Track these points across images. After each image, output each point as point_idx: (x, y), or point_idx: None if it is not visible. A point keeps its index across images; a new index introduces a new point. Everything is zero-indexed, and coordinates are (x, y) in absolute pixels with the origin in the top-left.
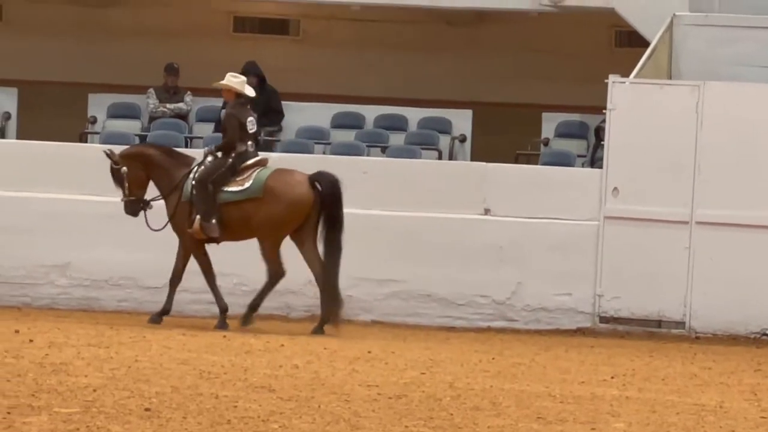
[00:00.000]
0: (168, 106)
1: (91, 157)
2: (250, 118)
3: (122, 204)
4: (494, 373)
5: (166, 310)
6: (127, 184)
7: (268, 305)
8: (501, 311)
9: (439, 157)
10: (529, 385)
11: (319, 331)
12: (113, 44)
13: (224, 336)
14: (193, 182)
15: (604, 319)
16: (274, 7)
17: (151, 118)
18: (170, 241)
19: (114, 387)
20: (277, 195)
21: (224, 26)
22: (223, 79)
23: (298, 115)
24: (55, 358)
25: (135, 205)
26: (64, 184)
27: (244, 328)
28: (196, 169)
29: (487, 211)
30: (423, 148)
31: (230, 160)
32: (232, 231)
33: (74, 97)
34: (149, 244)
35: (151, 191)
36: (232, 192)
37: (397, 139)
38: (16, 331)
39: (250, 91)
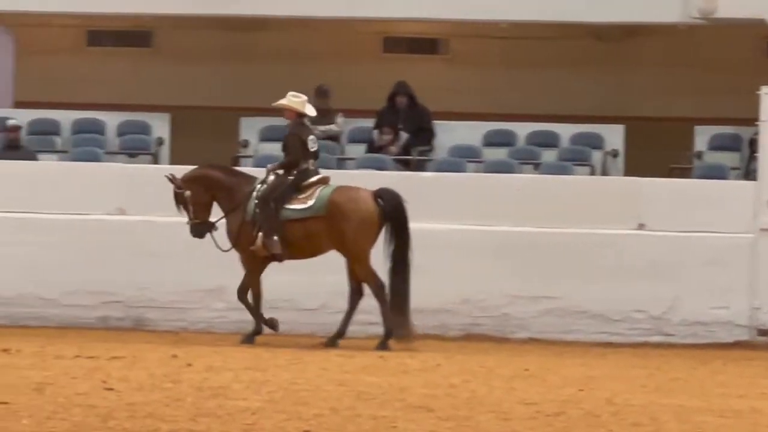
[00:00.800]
0: (319, 128)
1: None
2: (311, 137)
3: (188, 227)
4: (652, 389)
5: (257, 331)
6: (191, 207)
7: (424, 324)
8: (657, 326)
9: (592, 173)
10: (687, 400)
11: (383, 346)
12: (263, 68)
13: (380, 356)
14: (256, 200)
15: (761, 332)
16: (423, 27)
17: None
18: (326, 262)
19: (272, 410)
20: (343, 211)
21: (374, 47)
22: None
23: (449, 134)
24: (213, 382)
25: (201, 228)
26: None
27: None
28: (258, 187)
29: (641, 226)
30: (575, 164)
31: (291, 177)
32: (296, 249)
33: (226, 121)
34: (305, 265)
35: (215, 212)
36: (295, 210)
37: (549, 155)
38: (174, 356)
39: (311, 111)
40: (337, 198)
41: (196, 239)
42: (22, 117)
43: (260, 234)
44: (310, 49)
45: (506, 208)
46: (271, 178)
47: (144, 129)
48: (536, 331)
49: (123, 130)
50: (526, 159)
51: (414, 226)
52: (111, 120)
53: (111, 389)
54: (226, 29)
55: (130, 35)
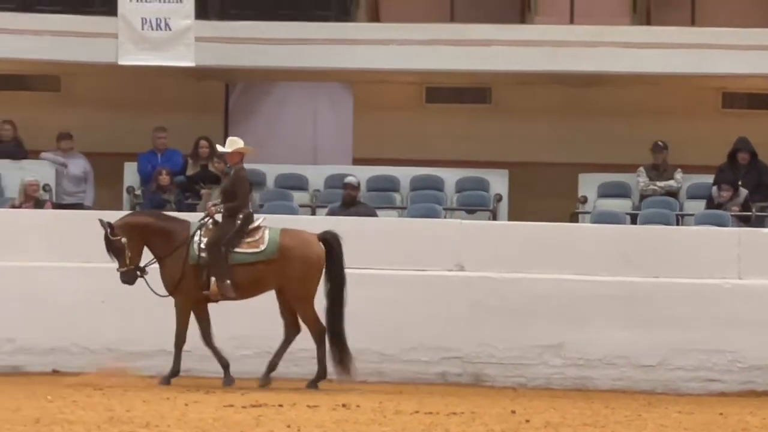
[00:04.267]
0: (658, 183)
1: (582, 237)
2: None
3: (120, 274)
4: None
5: (175, 372)
6: (128, 254)
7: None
8: None
9: None
10: None
11: (313, 386)
12: (601, 124)
13: (720, 413)
14: (203, 245)
15: None
16: (763, 83)
17: (642, 197)
18: (661, 318)
19: None
20: (295, 255)
21: (713, 103)
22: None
23: None
24: None
25: (133, 274)
26: (557, 265)
27: (261, 387)
28: (198, 232)
29: None
30: None
31: (238, 222)
32: (244, 290)
33: (564, 178)
34: (643, 322)
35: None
36: (246, 254)
37: None
38: (513, 412)
39: (251, 150)
40: (287, 242)
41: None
42: (360, 174)
43: (212, 279)
44: (647, 105)
45: None
46: (210, 222)
47: (482, 185)
48: None
49: (461, 187)
50: None
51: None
52: (449, 176)
53: None
54: (564, 84)
55: (468, 92)
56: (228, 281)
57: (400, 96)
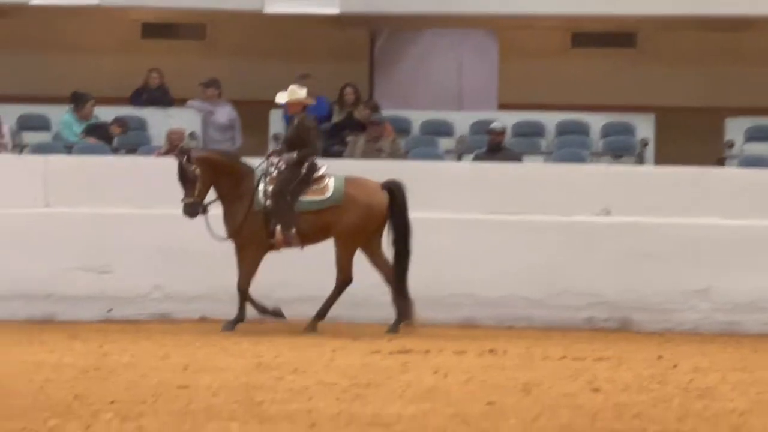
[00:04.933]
0: None
1: (729, 181)
2: None
3: (183, 205)
4: None
5: (240, 319)
6: (199, 186)
7: None
8: None
9: None
10: None
11: (394, 329)
12: (747, 68)
13: None
14: (269, 192)
15: None
16: None
17: None
18: None
19: (761, 411)
20: (358, 202)
21: None
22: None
23: None
24: (699, 383)
25: (197, 207)
26: (703, 210)
27: (307, 333)
28: (263, 178)
29: None
30: None
31: (304, 170)
32: (307, 239)
33: (711, 122)
34: None
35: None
36: (311, 201)
37: None
38: (660, 357)
39: (312, 100)
40: (352, 190)
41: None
42: (506, 119)
43: (278, 227)
44: None
45: None
46: (276, 170)
47: (628, 130)
48: None
49: (607, 132)
50: None
51: None
52: (595, 121)
53: (598, 390)
54: (711, 30)
55: (613, 36)
56: (293, 230)
57: (546, 41)
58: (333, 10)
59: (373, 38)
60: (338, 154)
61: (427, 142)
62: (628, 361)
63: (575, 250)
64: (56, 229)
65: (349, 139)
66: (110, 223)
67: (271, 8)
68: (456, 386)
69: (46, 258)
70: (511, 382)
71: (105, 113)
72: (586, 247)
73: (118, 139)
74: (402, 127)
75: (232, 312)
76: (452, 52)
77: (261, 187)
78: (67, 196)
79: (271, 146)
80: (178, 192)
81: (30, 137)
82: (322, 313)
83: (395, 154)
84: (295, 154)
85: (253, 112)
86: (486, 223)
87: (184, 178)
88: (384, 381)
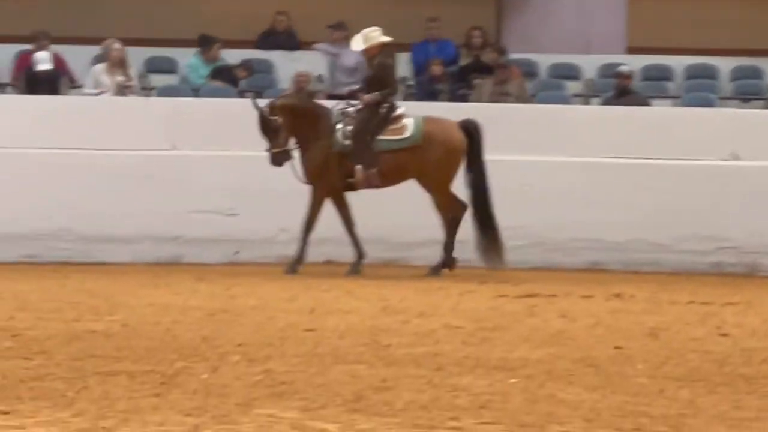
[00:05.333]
0: None
1: None
2: None
3: (269, 156)
4: None
5: (300, 259)
6: (283, 134)
7: None
8: None
9: None
10: None
11: (434, 272)
12: None
13: None
14: (348, 132)
15: None
16: None
17: None
18: None
19: None
20: (438, 141)
21: None
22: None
23: None
24: None
25: (282, 157)
26: None
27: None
28: (341, 119)
29: None
30: None
31: (383, 110)
32: (388, 178)
33: None
34: None
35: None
36: (391, 141)
37: None
38: None
39: (389, 38)
40: (430, 128)
41: None
42: (634, 63)
43: (359, 167)
44: None
45: None
46: (349, 110)
47: (758, 74)
48: None
49: (736, 75)
50: None
51: None
52: (724, 65)
53: (726, 335)
54: None
55: None
56: (374, 169)
57: None
58: None
59: None
60: (464, 98)
61: (555, 85)
62: (757, 305)
63: (702, 195)
64: (183, 171)
65: (476, 82)
66: (236, 165)
67: None
68: (583, 330)
69: (173, 200)
70: (638, 327)
71: (231, 56)
72: (713, 191)
73: (244, 82)
74: (529, 71)
75: (353, 254)
76: None
77: (339, 127)
78: (194, 139)
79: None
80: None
81: (157, 80)
82: (449, 260)
83: (522, 98)
84: (376, 94)
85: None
86: (613, 167)
87: (268, 128)
88: (510, 324)
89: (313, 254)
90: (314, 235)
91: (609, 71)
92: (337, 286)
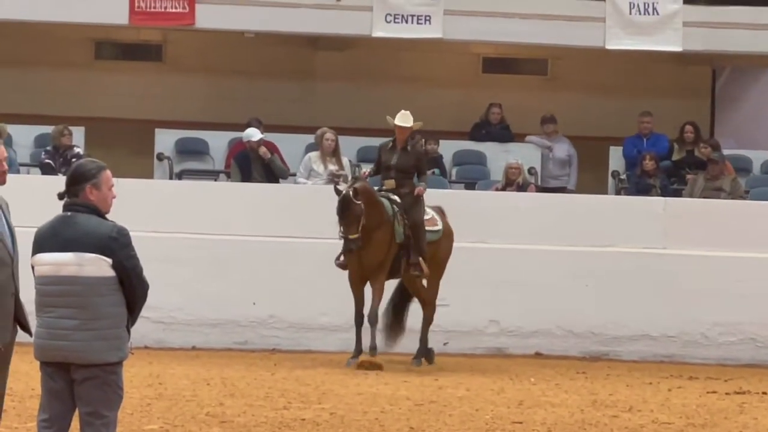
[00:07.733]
0: None
1: None
2: None
3: (345, 241)
4: None
5: (359, 351)
6: (363, 221)
7: None
8: None
9: None
10: None
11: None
12: None
13: None
14: (406, 223)
15: None
16: None
17: None
18: None
19: None
20: (449, 233)
21: None
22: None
23: None
24: None
25: (356, 243)
26: None
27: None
28: (396, 208)
29: None
30: None
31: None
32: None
33: None
34: None
35: None
36: (431, 232)
37: None
38: None
39: (419, 124)
40: (444, 220)
41: None
42: None
43: (420, 259)
44: None
45: None
46: (394, 197)
47: None
48: None
49: None
50: None
51: None
52: None
53: None
54: None
55: None
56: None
57: None
58: (676, 47)
59: (714, 76)
60: (677, 193)
61: None
62: None
63: None
64: None
65: (689, 177)
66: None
67: (612, 44)
68: None
69: None
70: None
71: (445, 147)
72: None
73: (456, 172)
74: (742, 167)
75: (566, 347)
76: None
77: (398, 217)
78: None
79: (611, 183)
80: (515, 226)
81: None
82: (425, 350)
83: (735, 194)
84: (423, 184)
85: (591, 148)
86: None
87: (350, 212)
88: (720, 422)
89: (524, 346)
90: (524, 327)
91: None
92: (546, 377)
